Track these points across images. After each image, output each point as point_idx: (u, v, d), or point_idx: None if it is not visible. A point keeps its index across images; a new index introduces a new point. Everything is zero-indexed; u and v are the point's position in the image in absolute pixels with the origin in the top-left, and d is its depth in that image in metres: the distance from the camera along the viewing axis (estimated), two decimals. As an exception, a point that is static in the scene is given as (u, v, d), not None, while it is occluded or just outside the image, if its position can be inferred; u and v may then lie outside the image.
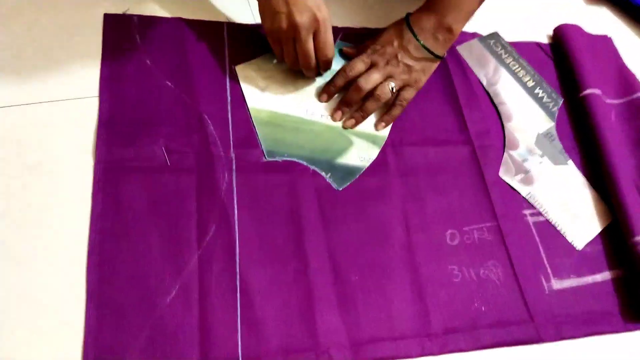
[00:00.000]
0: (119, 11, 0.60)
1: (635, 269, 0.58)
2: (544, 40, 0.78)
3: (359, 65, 0.60)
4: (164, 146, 0.53)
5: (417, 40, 0.59)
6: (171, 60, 0.58)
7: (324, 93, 0.61)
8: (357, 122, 0.61)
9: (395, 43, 0.60)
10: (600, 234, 0.62)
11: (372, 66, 0.60)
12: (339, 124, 0.61)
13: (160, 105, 0.55)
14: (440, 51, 0.60)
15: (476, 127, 0.65)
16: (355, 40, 0.67)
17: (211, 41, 0.61)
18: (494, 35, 0.75)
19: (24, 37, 0.56)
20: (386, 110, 0.62)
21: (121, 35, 0.58)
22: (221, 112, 0.57)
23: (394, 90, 0.60)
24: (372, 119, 0.62)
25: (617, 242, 0.61)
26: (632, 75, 0.76)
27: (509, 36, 0.76)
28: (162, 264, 0.47)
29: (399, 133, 0.62)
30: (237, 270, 0.49)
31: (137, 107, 0.54)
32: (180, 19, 0.62)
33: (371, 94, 0.59)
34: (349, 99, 0.60)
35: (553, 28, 0.78)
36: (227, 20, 0.64)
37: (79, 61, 0.56)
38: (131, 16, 0.60)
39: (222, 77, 0.59)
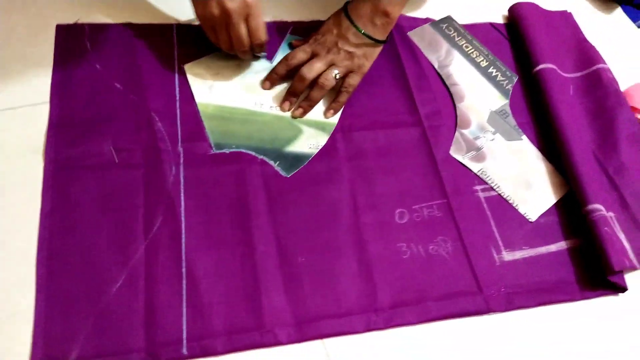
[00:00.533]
0: (71, 21, 0.63)
1: (589, 238, 0.58)
2: (501, 20, 0.79)
3: (300, 54, 0.61)
4: (112, 144, 0.55)
5: (355, 26, 0.60)
6: (121, 63, 0.61)
7: (266, 80, 0.63)
8: (305, 111, 0.62)
9: (335, 31, 0.62)
10: (557, 205, 0.62)
11: (314, 55, 0.61)
12: (289, 114, 0.62)
13: (109, 106, 0.57)
14: (380, 35, 0.61)
15: (426, 109, 0.66)
16: (305, 34, 0.68)
17: (160, 43, 0.63)
18: (447, 19, 0.76)
19: (-21, 51, 0.59)
20: (333, 97, 0.63)
21: (72, 44, 0.61)
22: (170, 109, 0.59)
23: (337, 77, 0.61)
24: (321, 107, 0.63)
25: (574, 213, 0.61)
26: (592, 49, 0.76)
27: (466, 19, 0.77)
28: (109, 256, 0.49)
29: (348, 119, 0.63)
30: (183, 257, 0.50)
31: (87, 109, 0.57)
32: (130, 24, 0.64)
33: (315, 82, 0.61)
34: (294, 89, 0.61)
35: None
36: (176, 22, 0.66)
37: (32, 70, 0.58)
38: (82, 25, 0.63)
39: (171, 76, 0.61)
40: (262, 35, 0.57)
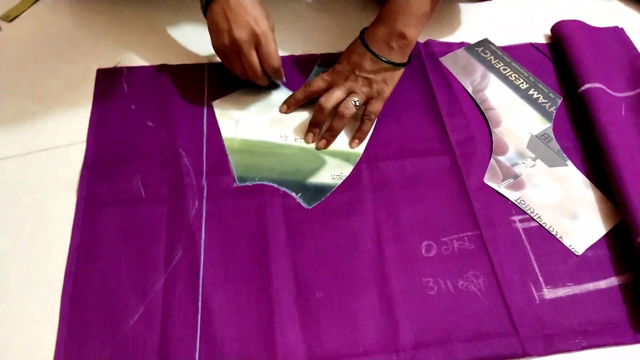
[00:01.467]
0: (112, 65, 0.67)
1: (643, 272, 0.52)
2: (543, 40, 0.75)
3: (319, 82, 0.62)
4: (140, 179, 0.57)
5: (371, 51, 0.60)
6: (154, 103, 0.64)
7: (284, 104, 0.64)
8: (328, 142, 0.61)
9: (352, 59, 0.61)
10: (606, 237, 0.56)
11: (332, 84, 0.61)
12: (313, 145, 0.62)
13: (140, 144, 0.60)
14: (398, 58, 0.60)
15: (458, 136, 0.63)
16: (332, 65, 0.68)
17: (192, 82, 0.66)
18: (483, 42, 0.73)
19: (27, 94, 0.64)
20: (357, 127, 0.62)
21: (111, 86, 0.65)
22: (197, 144, 0.61)
23: (357, 105, 0.60)
24: (345, 137, 0.63)
25: (626, 245, 0.55)
26: (647, 65, 0.70)
27: (505, 40, 0.74)
28: (129, 289, 0.50)
29: (374, 148, 0.62)
30: (200, 291, 0.50)
31: (119, 147, 0.60)
32: (165, 65, 0.67)
33: (336, 112, 0.60)
34: (315, 120, 0.61)
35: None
36: (208, 62, 0.68)
37: (72, 111, 0.63)
38: (121, 68, 0.67)
39: (200, 112, 0.63)
40: (274, 61, 0.58)
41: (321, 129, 0.62)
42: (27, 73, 0.66)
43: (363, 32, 0.62)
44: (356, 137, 0.62)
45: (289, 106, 0.63)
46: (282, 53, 0.69)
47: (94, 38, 0.70)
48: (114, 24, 0.72)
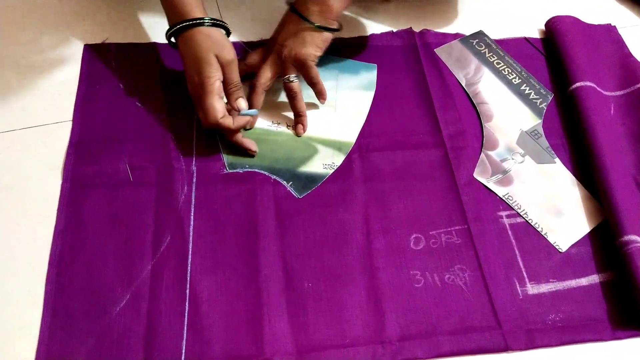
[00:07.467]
0: (100, 41, 0.65)
1: (624, 272, 0.53)
2: (537, 35, 0.75)
3: (253, 56, 0.63)
4: (127, 162, 0.56)
5: (292, 8, 0.59)
6: (143, 82, 0.62)
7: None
8: (304, 124, 0.61)
9: (277, 29, 0.62)
10: (590, 235, 0.57)
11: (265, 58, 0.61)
12: (305, 133, 0.61)
13: (128, 125, 0.59)
14: (317, 20, 0.58)
15: (450, 129, 0.63)
16: (326, 51, 0.67)
17: (182, 62, 0.64)
18: (478, 34, 0.73)
19: (11, 70, 0.61)
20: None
21: (98, 63, 0.63)
22: (187, 128, 0.59)
23: (295, 79, 0.60)
24: (338, 125, 0.62)
25: (609, 244, 0.56)
26: (637, 65, 0.71)
27: (500, 33, 0.73)
28: (116, 275, 0.49)
29: (367, 138, 0.61)
30: (188, 278, 0.50)
31: (106, 127, 0.58)
32: (155, 44, 0.66)
33: (287, 96, 0.61)
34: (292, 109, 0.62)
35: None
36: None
37: (58, 89, 0.61)
38: (109, 45, 0.65)
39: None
40: (210, 118, 0.54)
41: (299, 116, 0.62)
42: (10, 47, 0.63)
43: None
44: (317, 97, 0.62)
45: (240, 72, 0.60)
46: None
47: (81, 11, 0.68)
48: (101, -3, 0.70)
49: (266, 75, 0.60)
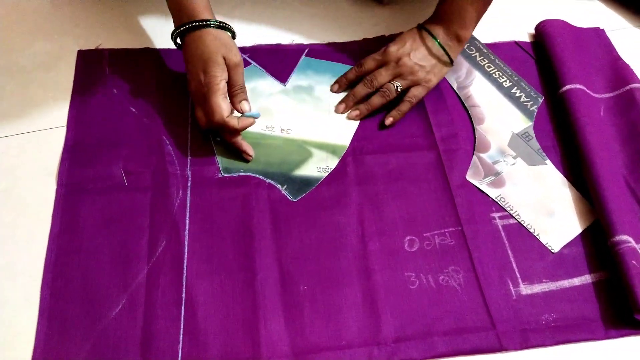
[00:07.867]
0: (93, 47, 0.65)
1: (616, 271, 0.54)
2: (527, 38, 0.76)
3: (370, 62, 0.64)
4: (122, 167, 0.56)
5: (433, 37, 0.62)
6: (137, 88, 0.62)
7: (335, 83, 0.65)
8: (362, 114, 0.63)
9: (407, 44, 0.63)
10: (582, 235, 0.58)
11: (383, 64, 0.63)
12: (299, 137, 0.62)
13: (122, 130, 0.59)
14: (453, 56, 0.63)
15: (442, 132, 0.63)
16: (322, 56, 0.68)
17: (177, 67, 0.64)
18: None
19: (5, 76, 0.61)
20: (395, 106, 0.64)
21: (92, 69, 0.63)
22: (181, 133, 0.60)
23: (399, 90, 0.62)
24: (335, 128, 0.63)
25: (601, 244, 0.57)
26: (626, 67, 0.72)
27: (490, 37, 0.74)
28: (112, 280, 0.50)
29: (360, 141, 0.62)
30: (184, 282, 0.50)
31: (101, 133, 0.58)
32: (149, 49, 0.66)
33: (378, 90, 0.63)
34: (356, 93, 0.63)
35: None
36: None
37: (52, 95, 0.61)
38: (103, 50, 0.65)
39: (185, 100, 0.62)
40: (216, 116, 0.54)
41: (354, 103, 0.63)
42: (4, 53, 0.64)
43: (421, 25, 0.64)
44: (392, 115, 0.63)
45: (340, 86, 0.65)
46: (269, 42, 0.69)
47: (74, 17, 0.68)
48: (95, 2, 0.70)
49: (383, 79, 0.63)
